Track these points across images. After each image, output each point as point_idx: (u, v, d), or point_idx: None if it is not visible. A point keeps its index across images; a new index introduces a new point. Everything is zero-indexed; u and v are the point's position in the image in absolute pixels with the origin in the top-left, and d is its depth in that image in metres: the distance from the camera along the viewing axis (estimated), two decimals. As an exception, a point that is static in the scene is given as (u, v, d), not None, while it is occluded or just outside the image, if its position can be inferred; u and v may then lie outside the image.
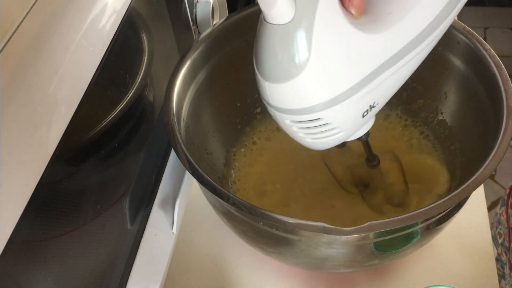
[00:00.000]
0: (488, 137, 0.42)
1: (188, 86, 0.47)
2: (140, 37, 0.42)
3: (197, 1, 0.52)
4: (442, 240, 0.53)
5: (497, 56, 0.45)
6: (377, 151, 0.47)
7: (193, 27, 0.52)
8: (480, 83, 0.46)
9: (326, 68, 0.32)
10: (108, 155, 0.37)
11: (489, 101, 0.45)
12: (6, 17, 0.27)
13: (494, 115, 0.43)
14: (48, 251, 0.29)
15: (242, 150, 0.57)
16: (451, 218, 0.42)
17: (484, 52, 0.45)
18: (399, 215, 0.35)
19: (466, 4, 0.37)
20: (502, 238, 0.72)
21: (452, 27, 0.48)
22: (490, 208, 1.36)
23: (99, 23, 0.33)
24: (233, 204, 0.37)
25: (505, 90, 0.42)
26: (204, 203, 0.49)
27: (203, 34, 0.49)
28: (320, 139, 0.36)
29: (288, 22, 0.29)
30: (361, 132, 0.40)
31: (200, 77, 0.49)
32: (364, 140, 0.43)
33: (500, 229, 0.73)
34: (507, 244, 0.70)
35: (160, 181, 0.46)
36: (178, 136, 0.42)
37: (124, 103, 0.39)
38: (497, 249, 0.74)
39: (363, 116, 0.36)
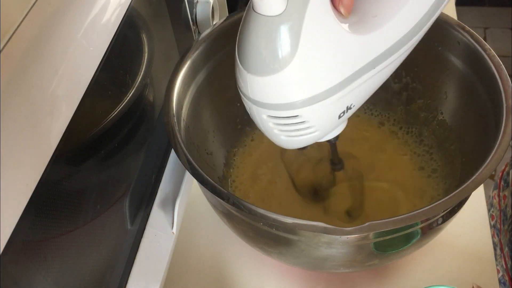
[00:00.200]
0: (488, 137, 0.42)
1: (188, 86, 0.47)
2: (140, 37, 0.42)
3: (197, 1, 0.52)
4: (442, 240, 0.53)
5: (497, 56, 0.45)
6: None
7: (193, 27, 0.52)
8: (480, 83, 0.46)
9: (310, 65, 0.31)
10: (108, 155, 0.37)
11: (489, 101, 0.45)
12: (6, 17, 0.27)
13: (494, 115, 0.43)
14: (48, 251, 0.29)
15: (242, 150, 0.57)
16: (451, 218, 0.42)
17: (484, 52, 0.45)
18: (399, 215, 0.35)
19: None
20: (494, 220, 0.74)
21: (452, 27, 0.48)
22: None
23: (99, 23, 0.33)
24: (233, 204, 0.37)
25: (505, 90, 0.42)
26: (204, 203, 0.49)
27: (203, 34, 0.49)
28: (294, 137, 0.36)
29: (278, 15, 0.29)
30: (333, 134, 0.40)
31: (200, 77, 0.49)
32: (333, 143, 0.43)
33: (493, 212, 0.74)
34: (498, 226, 0.72)
35: (160, 181, 0.46)
36: (178, 136, 0.42)
37: (124, 103, 0.39)
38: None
39: (339, 117, 0.36)
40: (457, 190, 0.37)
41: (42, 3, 0.29)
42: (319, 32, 0.31)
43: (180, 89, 0.45)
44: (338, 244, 0.39)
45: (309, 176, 0.52)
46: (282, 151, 0.39)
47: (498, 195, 0.73)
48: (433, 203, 0.36)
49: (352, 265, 0.44)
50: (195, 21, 0.52)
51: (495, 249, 0.74)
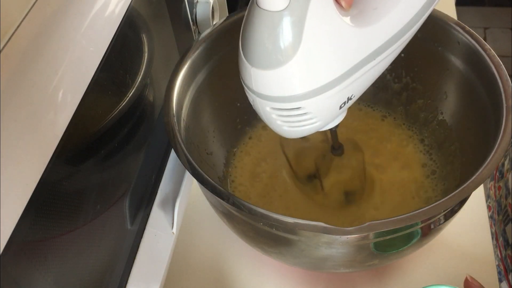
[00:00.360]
0: (488, 137, 0.42)
1: (188, 86, 0.47)
2: (140, 37, 0.42)
3: (197, 1, 0.52)
4: (442, 240, 0.53)
5: (497, 56, 0.45)
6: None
7: (193, 27, 0.52)
8: (480, 83, 0.46)
9: (313, 59, 0.32)
10: (108, 155, 0.37)
11: (489, 101, 0.45)
12: (6, 17, 0.27)
13: (494, 115, 0.43)
14: (48, 251, 0.29)
15: (242, 150, 0.57)
16: (451, 218, 0.42)
17: (484, 52, 0.45)
18: (399, 215, 0.35)
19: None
20: (491, 211, 0.74)
21: (452, 27, 0.48)
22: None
23: (99, 23, 0.33)
24: (233, 204, 0.37)
25: (505, 90, 0.42)
26: (204, 203, 0.49)
27: (203, 34, 0.49)
28: (296, 127, 0.36)
29: (282, 10, 0.29)
30: (334, 123, 0.41)
31: (200, 77, 0.49)
32: (334, 130, 0.44)
33: (489, 203, 0.76)
34: (495, 216, 0.72)
35: (160, 181, 0.46)
36: (178, 136, 0.42)
37: (124, 103, 0.39)
38: None
39: (340, 107, 0.36)
40: (457, 190, 0.37)
41: (42, 3, 0.29)
42: (321, 26, 0.31)
43: (180, 89, 0.45)
44: (338, 244, 0.39)
45: (309, 160, 0.53)
46: (282, 137, 0.40)
47: (494, 186, 0.75)
48: (433, 203, 0.36)
49: (352, 265, 0.44)
50: (195, 21, 0.52)
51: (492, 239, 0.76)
